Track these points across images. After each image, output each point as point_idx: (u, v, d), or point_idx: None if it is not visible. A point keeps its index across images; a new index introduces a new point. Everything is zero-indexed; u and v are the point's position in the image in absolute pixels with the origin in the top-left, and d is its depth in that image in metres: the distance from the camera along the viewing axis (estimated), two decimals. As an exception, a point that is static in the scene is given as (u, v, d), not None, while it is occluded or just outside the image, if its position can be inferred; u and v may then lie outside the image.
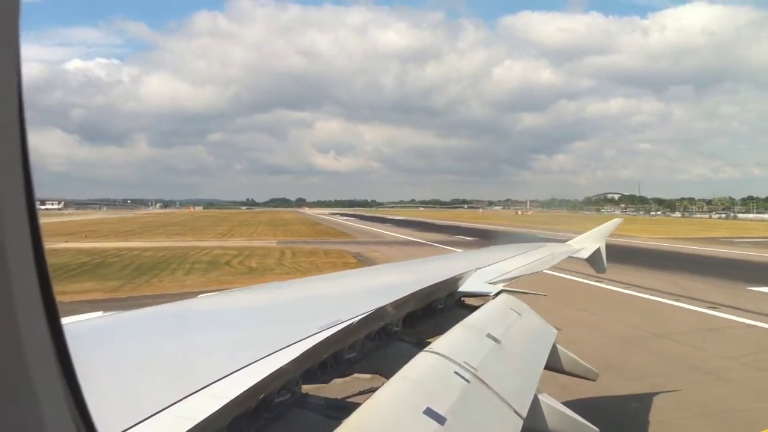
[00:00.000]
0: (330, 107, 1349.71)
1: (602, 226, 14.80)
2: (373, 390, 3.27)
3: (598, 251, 12.58)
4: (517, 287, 7.06)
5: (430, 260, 13.95)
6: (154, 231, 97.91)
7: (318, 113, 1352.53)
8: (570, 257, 11.80)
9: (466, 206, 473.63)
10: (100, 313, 4.80)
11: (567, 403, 4.78)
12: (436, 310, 5.88)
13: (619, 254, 28.97)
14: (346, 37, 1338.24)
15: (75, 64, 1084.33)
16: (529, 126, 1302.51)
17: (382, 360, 4.38)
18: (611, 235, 13.46)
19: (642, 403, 12.06)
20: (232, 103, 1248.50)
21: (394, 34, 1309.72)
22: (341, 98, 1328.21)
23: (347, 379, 4.17)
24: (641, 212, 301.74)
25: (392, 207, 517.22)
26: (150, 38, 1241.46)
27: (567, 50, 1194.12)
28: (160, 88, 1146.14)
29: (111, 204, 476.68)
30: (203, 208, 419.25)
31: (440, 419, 2.95)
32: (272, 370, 2.61)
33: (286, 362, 2.74)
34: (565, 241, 12.50)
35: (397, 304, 4.52)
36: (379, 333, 4.59)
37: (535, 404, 4.49)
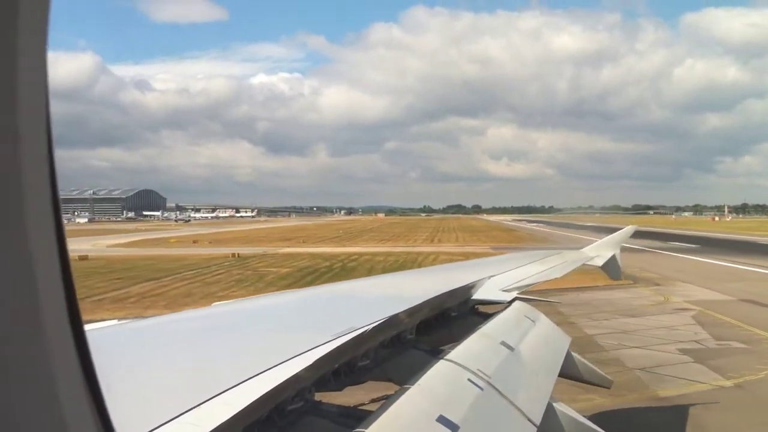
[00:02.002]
0: (502, 114, 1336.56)
1: (616, 233, 14.60)
2: (386, 397, 3.31)
3: (613, 258, 12.54)
4: (531, 295, 7.11)
5: (443, 268, 13.98)
6: (359, 237, 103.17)
7: (490, 120, 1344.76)
8: (584, 264, 11.83)
9: (651, 212, 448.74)
10: (115, 321, 4.90)
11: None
12: (450, 317, 5.76)
13: None
14: (518, 43, 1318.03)
15: (260, 79, 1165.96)
16: (714, 127, 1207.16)
17: (396, 367, 4.31)
18: None
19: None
20: (407, 111, 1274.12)
21: (569, 38, 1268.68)
22: (514, 104, 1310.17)
23: (361, 386, 4.11)
24: None
25: (571, 213, 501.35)
26: (328, 51, 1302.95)
27: (755, 47, 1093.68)
28: (338, 99, 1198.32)
29: (299, 211, 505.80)
30: (385, 215, 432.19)
31: (453, 427, 2.97)
32: (286, 378, 2.61)
33: (300, 370, 2.73)
34: None
35: (411, 312, 4.46)
36: (392, 340, 4.50)
37: (549, 412, 4.45)
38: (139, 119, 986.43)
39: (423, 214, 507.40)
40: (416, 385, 3.27)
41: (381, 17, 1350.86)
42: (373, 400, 3.95)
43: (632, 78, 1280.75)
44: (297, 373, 2.69)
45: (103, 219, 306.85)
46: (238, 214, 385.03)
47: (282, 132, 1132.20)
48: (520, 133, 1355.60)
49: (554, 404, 4.78)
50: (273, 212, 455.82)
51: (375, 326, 3.62)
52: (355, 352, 3.75)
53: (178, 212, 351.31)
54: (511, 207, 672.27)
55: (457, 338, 4.69)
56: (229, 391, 2.38)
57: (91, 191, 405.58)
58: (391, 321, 3.99)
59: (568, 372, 6.22)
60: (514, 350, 4.80)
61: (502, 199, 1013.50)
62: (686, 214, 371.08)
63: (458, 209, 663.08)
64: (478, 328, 4.98)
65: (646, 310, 27.74)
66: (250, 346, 3.59)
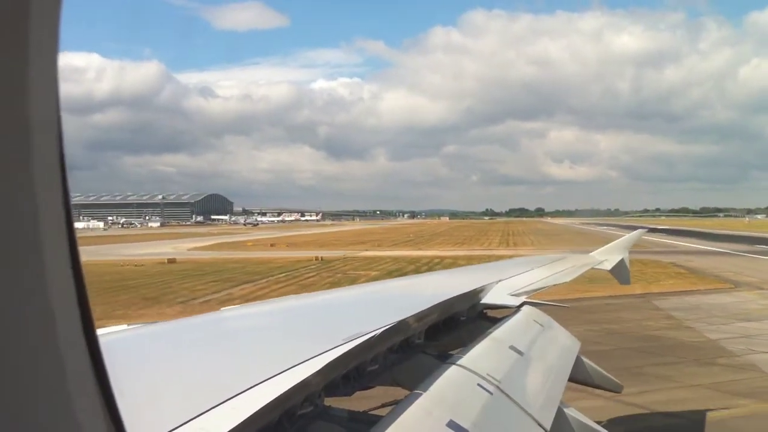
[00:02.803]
0: (563, 116, 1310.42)
1: (625, 237, 14.62)
2: (395, 402, 3.32)
3: (621, 262, 12.46)
4: (540, 299, 6.96)
5: (451, 272, 13.68)
6: (432, 240, 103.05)
7: (551, 122, 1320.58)
8: (593, 269, 11.65)
9: (721, 215, 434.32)
10: (124, 326, 4.91)
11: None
12: (459, 322, 5.67)
13: None
14: (579, 44, 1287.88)
15: (320, 84, 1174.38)
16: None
17: (405, 372, 4.27)
18: None
19: None
20: (465, 115, 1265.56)
21: (630, 38, 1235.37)
22: (575, 106, 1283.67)
23: (370, 391, 4.09)
24: None
25: (637, 216, 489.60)
26: (387, 56, 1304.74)
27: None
28: (397, 103, 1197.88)
29: (361, 215, 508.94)
30: (449, 219, 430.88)
31: None
32: (295, 383, 2.59)
33: (309, 374, 2.71)
34: None
35: (420, 317, 4.40)
36: (401, 345, 4.46)
37: (559, 417, 4.40)
38: (202, 125, 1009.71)
39: (486, 218, 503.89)
40: (426, 390, 3.27)
41: (439, 21, 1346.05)
42: (383, 405, 3.91)
43: (696, 78, 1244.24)
44: (306, 378, 2.67)
45: (172, 223, 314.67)
46: (303, 218, 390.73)
47: (342, 136, 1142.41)
48: (582, 136, 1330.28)
49: (565, 409, 4.78)
50: (337, 216, 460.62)
51: (384, 331, 3.57)
52: (364, 357, 3.69)
53: (246, 216, 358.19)
54: (576, 210, 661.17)
55: (465, 343, 4.70)
56: (239, 396, 2.38)
57: (161, 196, 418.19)
58: (400, 325, 3.93)
59: (579, 376, 6.21)
60: (523, 355, 4.78)
61: (564, 202, 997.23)
62: (759, 216, 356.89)
63: (521, 213, 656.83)
64: (487, 333, 4.96)
65: (762, 314, 27.04)
66: (259, 350, 3.60)
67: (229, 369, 3.05)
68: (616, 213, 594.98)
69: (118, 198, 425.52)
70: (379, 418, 3.12)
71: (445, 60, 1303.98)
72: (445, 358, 4.18)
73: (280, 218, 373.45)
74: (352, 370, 3.66)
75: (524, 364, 4.70)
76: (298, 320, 5.07)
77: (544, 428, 3.72)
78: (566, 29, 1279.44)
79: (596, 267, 11.84)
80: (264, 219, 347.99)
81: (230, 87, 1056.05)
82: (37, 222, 0.89)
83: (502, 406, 3.66)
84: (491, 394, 3.62)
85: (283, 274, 45.59)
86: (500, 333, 5.08)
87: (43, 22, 0.87)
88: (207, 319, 5.18)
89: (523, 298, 6.53)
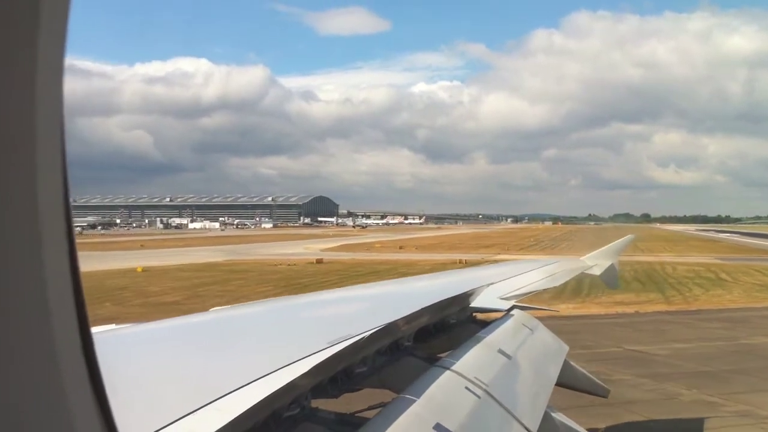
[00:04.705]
0: (670, 119, 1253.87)
1: (615, 243, 14.45)
2: (382, 405, 3.35)
3: (611, 267, 12.57)
4: (529, 303, 7.03)
5: (442, 275, 13.76)
6: (558, 245, 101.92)
7: (656, 125, 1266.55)
8: (582, 273, 11.72)
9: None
10: (112, 326, 4.86)
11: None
12: (448, 325, 5.64)
13: None
14: (687, 45, 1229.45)
15: (420, 88, 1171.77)
16: None
17: (393, 375, 4.25)
18: None
19: None
20: (567, 118, 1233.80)
21: (742, 39, 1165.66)
22: (682, 109, 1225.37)
23: (357, 393, 4.08)
24: None
25: (751, 223, 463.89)
26: (488, 59, 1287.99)
27: None
28: (497, 106, 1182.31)
29: (464, 218, 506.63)
30: (552, 223, 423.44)
31: None
32: (282, 384, 2.58)
33: (297, 376, 2.70)
34: None
35: (409, 319, 4.37)
36: (390, 347, 4.43)
37: (547, 420, 4.44)
38: (304, 128, 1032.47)
39: (591, 223, 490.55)
40: (413, 393, 3.29)
41: (542, 23, 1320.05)
42: (370, 407, 3.85)
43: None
44: (294, 380, 2.67)
45: (281, 224, 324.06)
46: (406, 221, 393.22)
47: (441, 139, 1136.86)
48: (689, 139, 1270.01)
49: (551, 413, 4.84)
50: (439, 219, 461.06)
51: (373, 333, 3.55)
52: (353, 359, 3.69)
53: (352, 218, 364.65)
54: (684, 216, 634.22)
55: (454, 346, 4.75)
56: (226, 396, 2.39)
57: (270, 197, 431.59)
58: (389, 328, 3.90)
59: (566, 381, 6.20)
60: (511, 358, 4.79)
61: (669, 207, 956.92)
62: None
63: (626, 218, 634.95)
64: (475, 336, 4.98)
65: None
66: (247, 351, 3.60)
67: (217, 369, 3.05)
68: (727, 220, 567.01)
69: (229, 199, 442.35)
70: (366, 420, 3.17)
71: (546, 62, 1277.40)
72: (433, 361, 4.24)
73: (384, 221, 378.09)
74: (340, 372, 3.67)
75: (512, 368, 4.73)
76: (288, 321, 5.02)
77: None
78: (674, 30, 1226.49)
79: (586, 272, 12.14)
80: (369, 221, 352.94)
81: (332, 91, 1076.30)
82: (37, 220, 0.90)
83: (489, 409, 3.69)
84: (479, 397, 3.65)
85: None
86: (489, 337, 5.05)
87: (51, 20, 0.87)
88: (196, 320, 5.13)
89: (512, 302, 6.58)
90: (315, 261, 64.44)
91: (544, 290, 9.14)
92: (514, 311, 6.22)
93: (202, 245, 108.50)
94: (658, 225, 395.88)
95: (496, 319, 5.87)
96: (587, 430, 5.70)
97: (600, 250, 13.90)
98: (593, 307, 33.42)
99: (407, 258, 68.73)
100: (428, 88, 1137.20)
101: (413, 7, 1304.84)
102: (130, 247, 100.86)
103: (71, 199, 0.99)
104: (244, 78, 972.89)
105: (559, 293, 37.51)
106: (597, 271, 12.24)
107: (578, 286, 35.06)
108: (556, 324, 29.08)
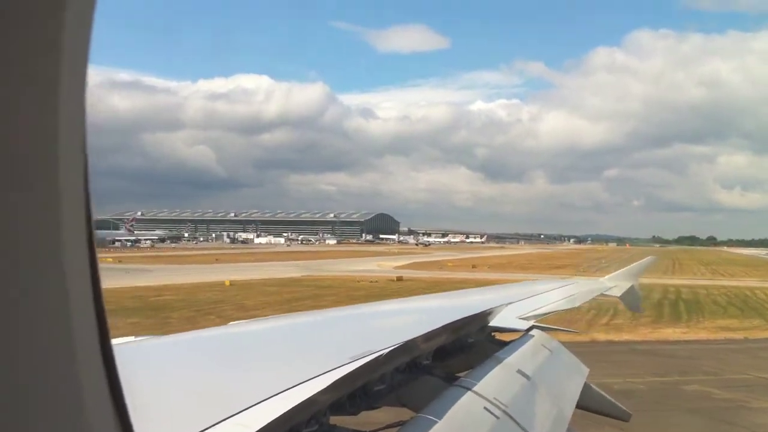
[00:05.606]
0: (735, 140, 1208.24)
1: (635, 264, 13.98)
2: (400, 423, 3.30)
3: (632, 289, 12.07)
4: (549, 324, 6.76)
5: (461, 293, 13.25)
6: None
7: (721, 146, 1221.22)
8: (602, 295, 11.26)
9: None
10: (131, 338, 4.84)
11: None
12: (467, 344, 5.52)
13: None
14: (753, 64, 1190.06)
15: (478, 106, 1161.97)
16: None
17: (412, 393, 4.17)
18: None
19: None
20: (629, 138, 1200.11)
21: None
22: (747, 129, 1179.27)
23: (376, 411, 4.00)
24: None
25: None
26: (548, 77, 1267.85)
27: None
28: (556, 125, 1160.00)
29: (526, 238, 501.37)
30: (617, 245, 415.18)
31: None
32: (301, 400, 2.55)
33: (315, 392, 2.68)
34: None
35: (428, 337, 4.28)
36: (408, 365, 4.35)
37: None
38: (363, 145, 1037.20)
39: (657, 245, 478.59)
40: (432, 412, 3.25)
41: (603, 42, 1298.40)
42: (388, 426, 3.86)
43: None
44: (312, 396, 2.64)
45: (343, 241, 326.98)
46: (467, 240, 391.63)
47: (499, 158, 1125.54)
48: (756, 161, 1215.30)
49: None
50: (500, 238, 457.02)
51: (391, 350, 3.52)
52: (371, 376, 3.64)
53: (414, 236, 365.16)
54: (752, 240, 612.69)
55: (473, 365, 4.68)
56: (245, 411, 2.39)
57: (333, 214, 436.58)
58: (408, 346, 3.86)
59: (586, 403, 6.03)
60: (530, 379, 4.74)
61: (735, 230, 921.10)
62: None
63: (692, 241, 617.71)
64: (495, 356, 4.94)
65: None
66: (266, 366, 3.60)
67: (236, 384, 3.08)
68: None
69: (292, 215, 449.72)
70: None
71: (607, 81, 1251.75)
72: (452, 380, 4.18)
73: (445, 239, 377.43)
74: (359, 389, 3.61)
75: (532, 389, 4.68)
76: (307, 337, 5.07)
77: None
78: (739, 49, 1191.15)
79: (605, 293, 11.77)
80: (430, 239, 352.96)
81: (390, 108, 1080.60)
82: (60, 229, 0.90)
83: (508, 431, 3.65)
84: (498, 418, 3.62)
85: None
86: (508, 357, 5.02)
87: (76, 27, 0.87)
88: (215, 334, 5.18)
89: (531, 322, 6.52)
90: (395, 278, 65.20)
91: (564, 311, 9.11)
92: (534, 331, 6.18)
93: (274, 260, 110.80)
94: (725, 248, 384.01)
95: (515, 339, 5.85)
96: None
97: (620, 271, 13.77)
98: (701, 332, 33.08)
99: (484, 277, 68.58)
100: (486, 107, 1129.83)
101: (472, 25, 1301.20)
102: (205, 261, 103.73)
103: (93, 208, 0.99)
104: (305, 95, 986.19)
105: (658, 317, 37.35)
106: (617, 293, 12.07)
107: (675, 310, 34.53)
108: (669, 349, 29.21)
